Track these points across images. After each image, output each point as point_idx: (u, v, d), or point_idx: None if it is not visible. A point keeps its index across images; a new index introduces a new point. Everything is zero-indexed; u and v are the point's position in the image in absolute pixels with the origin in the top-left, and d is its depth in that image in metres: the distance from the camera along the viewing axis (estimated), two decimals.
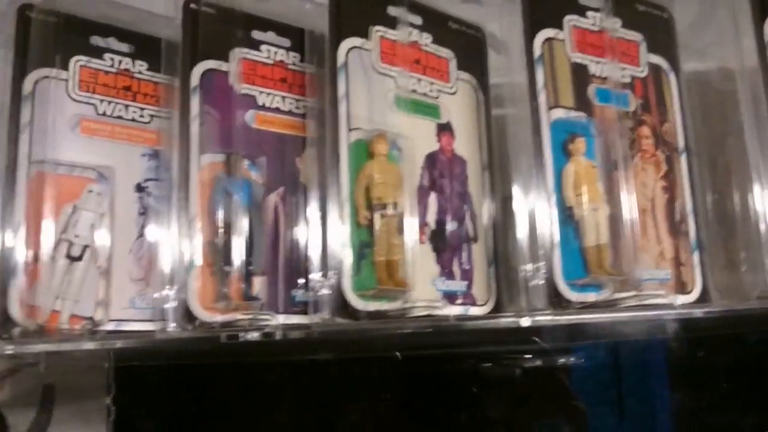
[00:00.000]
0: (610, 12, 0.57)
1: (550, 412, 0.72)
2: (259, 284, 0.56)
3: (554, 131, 0.55)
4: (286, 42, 0.61)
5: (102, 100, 0.60)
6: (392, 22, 0.58)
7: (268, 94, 0.59)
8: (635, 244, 0.53)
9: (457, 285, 0.58)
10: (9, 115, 0.55)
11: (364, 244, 0.53)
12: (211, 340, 0.51)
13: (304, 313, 0.56)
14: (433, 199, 0.58)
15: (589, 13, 0.58)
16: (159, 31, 0.60)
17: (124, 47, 0.61)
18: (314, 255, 0.53)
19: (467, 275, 0.59)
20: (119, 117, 0.60)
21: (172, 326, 0.53)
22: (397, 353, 0.66)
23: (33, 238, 0.55)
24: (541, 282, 0.52)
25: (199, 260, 0.54)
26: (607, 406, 0.72)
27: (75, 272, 0.56)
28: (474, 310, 0.58)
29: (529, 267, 0.53)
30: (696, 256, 0.59)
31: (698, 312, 0.56)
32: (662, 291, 0.52)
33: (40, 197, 0.55)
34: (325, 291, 0.52)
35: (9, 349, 0.51)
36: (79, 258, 0.56)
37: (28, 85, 0.57)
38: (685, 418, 0.72)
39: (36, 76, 0.57)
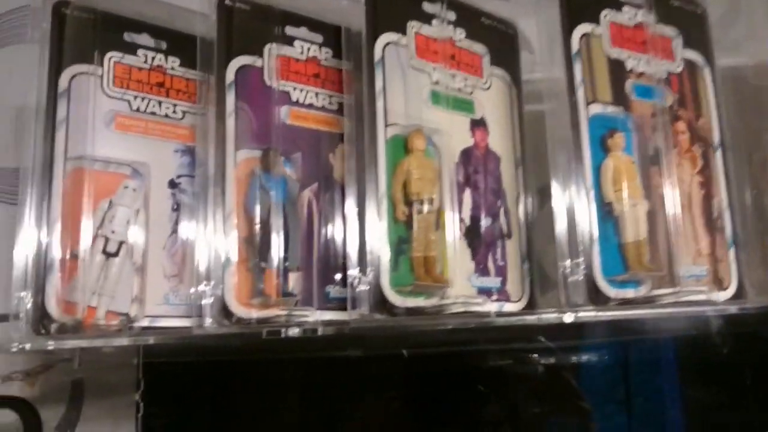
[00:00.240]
0: (650, 7, 0.57)
1: (557, 411, 0.72)
2: (294, 280, 0.56)
3: (592, 126, 0.54)
4: (318, 38, 0.61)
5: (136, 96, 0.60)
6: (427, 18, 0.58)
7: (302, 89, 0.59)
8: (676, 240, 0.53)
9: (492, 281, 0.58)
10: (45, 112, 0.55)
11: (401, 240, 0.53)
12: (251, 337, 0.51)
13: (339, 309, 0.56)
14: (467, 195, 0.58)
15: (625, 8, 0.58)
16: (192, 27, 0.59)
17: (157, 43, 0.61)
18: (352, 251, 0.52)
19: (501, 271, 0.58)
20: (153, 113, 0.60)
21: (208, 322, 0.53)
22: (403, 351, 0.66)
23: (70, 234, 0.55)
24: (580, 278, 0.52)
25: (235, 256, 0.53)
26: (616, 405, 0.72)
27: (111, 268, 0.56)
28: (508, 307, 0.58)
29: (567, 263, 0.52)
30: (732, 252, 0.58)
31: (733, 308, 0.56)
32: (704, 287, 0.51)
33: (77, 193, 0.55)
34: (362, 287, 0.52)
35: (50, 345, 0.51)
36: (116, 254, 0.56)
37: (63, 81, 0.57)
38: (695, 416, 0.72)
39: (71, 72, 0.57)
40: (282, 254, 0.54)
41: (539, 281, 0.60)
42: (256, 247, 0.54)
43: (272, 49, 0.58)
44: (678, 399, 0.71)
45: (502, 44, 0.62)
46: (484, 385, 0.70)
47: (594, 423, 0.71)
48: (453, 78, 0.58)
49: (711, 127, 0.60)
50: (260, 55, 0.58)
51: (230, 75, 0.56)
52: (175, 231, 0.59)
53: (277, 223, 0.54)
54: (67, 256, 0.54)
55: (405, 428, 0.72)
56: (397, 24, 0.56)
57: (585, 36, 0.56)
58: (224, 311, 0.53)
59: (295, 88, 0.59)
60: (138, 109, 0.60)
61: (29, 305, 0.53)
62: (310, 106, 0.59)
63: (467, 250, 0.57)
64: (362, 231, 0.52)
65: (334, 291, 0.57)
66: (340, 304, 0.56)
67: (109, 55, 0.59)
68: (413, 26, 0.57)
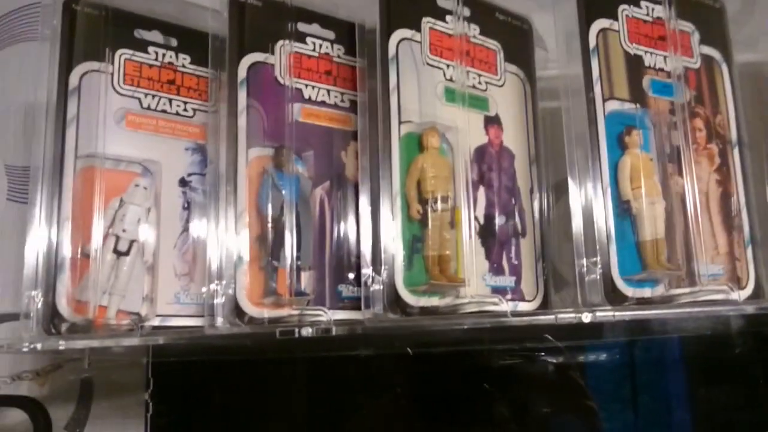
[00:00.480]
0: (669, 2, 0.56)
1: (563, 410, 0.71)
2: (306, 279, 0.55)
3: (609, 123, 0.53)
4: (331, 34, 0.60)
5: (146, 94, 0.59)
6: (442, 14, 0.57)
7: (314, 87, 0.58)
8: (694, 239, 0.52)
9: (506, 280, 0.57)
10: (56, 110, 0.55)
11: (415, 239, 0.52)
12: (264, 336, 0.50)
13: (351, 308, 0.55)
14: (481, 193, 0.57)
15: (643, 3, 0.57)
16: (203, 24, 0.59)
17: (168, 40, 0.61)
18: (365, 250, 0.52)
19: (515, 270, 0.58)
20: (163, 111, 0.60)
21: (220, 322, 0.52)
22: (408, 349, 0.66)
23: (81, 233, 0.54)
24: (597, 277, 0.51)
25: (247, 255, 0.53)
26: (621, 404, 0.71)
27: (122, 267, 0.55)
28: (522, 306, 0.57)
29: (584, 262, 0.51)
30: (750, 251, 0.58)
31: (751, 308, 0.55)
32: (724, 286, 0.51)
33: (88, 192, 0.55)
34: (376, 286, 0.51)
35: (61, 345, 0.50)
36: (126, 252, 0.56)
37: (74, 78, 0.56)
38: (702, 415, 0.71)
39: (82, 69, 0.57)
40: (294, 253, 0.54)
41: (553, 280, 0.59)
42: (268, 246, 0.54)
43: (284, 46, 0.57)
44: (693, 399, 0.70)
45: (516, 40, 0.61)
46: (493, 384, 0.69)
47: (603, 423, 0.70)
48: (467, 74, 0.57)
49: (729, 124, 0.59)
50: (272, 52, 0.57)
51: (242, 72, 0.56)
52: (186, 229, 0.59)
53: (289, 221, 0.54)
54: (78, 255, 0.54)
55: (415, 427, 0.72)
56: (411, 20, 0.55)
57: (602, 31, 0.55)
58: (236, 311, 0.52)
59: (307, 86, 0.58)
60: (149, 107, 0.59)
61: (40, 304, 0.53)
62: (323, 103, 0.59)
63: (481, 248, 0.56)
64: (376, 229, 0.51)
65: (346, 290, 0.56)
66: (353, 304, 0.55)
67: (119, 52, 0.59)
68: (427, 22, 0.56)
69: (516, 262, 0.58)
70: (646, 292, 0.52)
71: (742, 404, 0.70)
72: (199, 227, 0.59)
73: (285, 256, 0.53)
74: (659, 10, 0.57)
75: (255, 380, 0.72)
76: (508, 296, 0.56)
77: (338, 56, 0.60)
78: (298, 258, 0.54)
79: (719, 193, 0.58)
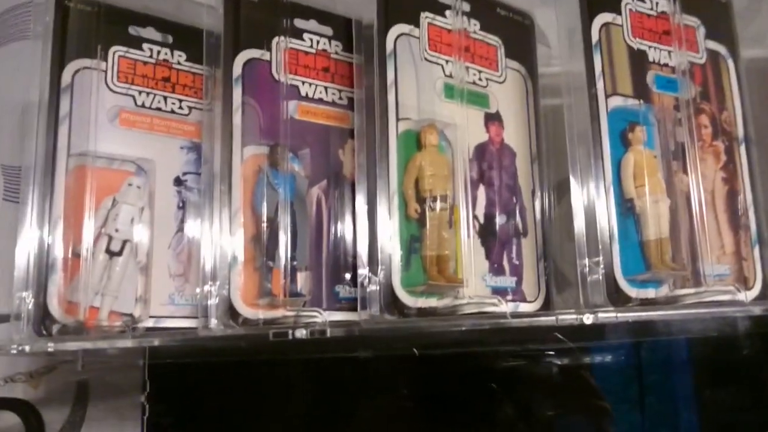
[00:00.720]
0: None
1: (576, 411, 0.70)
2: (302, 280, 0.54)
3: (612, 120, 0.52)
4: (328, 30, 0.59)
5: (141, 92, 0.58)
6: (441, 9, 0.56)
7: (311, 84, 0.57)
8: (699, 238, 0.51)
9: (507, 281, 0.56)
10: (48, 107, 0.54)
11: (413, 238, 0.51)
12: (257, 338, 0.49)
13: (349, 309, 0.54)
14: (481, 191, 0.56)
15: None
16: (198, 20, 0.58)
17: (163, 37, 0.60)
18: (362, 250, 0.51)
19: (516, 271, 0.57)
20: (158, 109, 0.59)
21: (214, 323, 0.51)
22: (414, 350, 0.65)
23: (72, 233, 0.53)
24: (599, 277, 0.50)
25: (241, 255, 0.52)
26: (629, 404, 0.70)
27: (115, 267, 0.54)
28: (523, 307, 0.56)
29: (586, 262, 0.50)
30: (757, 251, 0.56)
31: (758, 309, 0.54)
32: (730, 287, 0.49)
33: (80, 190, 0.54)
34: (373, 287, 0.50)
35: (50, 347, 0.49)
36: (119, 253, 0.55)
37: (66, 76, 0.55)
38: (709, 417, 0.70)
39: (75, 66, 0.56)
40: (289, 253, 0.53)
41: (555, 281, 0.58)
42: (263, 246, 0.53)
43: (280, 43, 0.56)
44: (700, 401, 0.69)
45: (517, 36, 0.60)
46: (497, 385, 0.68)
47: (612, 423, 0.69)
48: (467, 71, 0.56)
49: (735, 121, 0.58)
50: (268, 48, 0.56)
51: (237, 69, 0.55)
52: (180, 229, 0.58)
53: (283, 220, 0.53)
54: (70, 256, 0.53)
55: (413, 429, 0.71)
56: (410, 15, 0.54)
57: (605, 26, 0.54)
58: (230, 312, 0.51)
59: (304, 83, 0.57)
60: (143, 105, 0.58)
61: (31, 305, 0.52)
62: (320, 100, 0.57)
63: (481, 248, 0.55)
64: (373, 229, 0.50)
65: (344, 291, 0.55)
66: (350, 305, 0.54)
67: (113, 49, 0.58)
68: (426, 17, 0.55)
69: (517, 263, 0.57)
70: (650, 293, 0.51)
71: (749, 405, 0.69)
72: (194, 227, 0.58)
73: (280, 256, 0.52)
74: (663, 4, 0.56)
75: (252, 382, 0.71)
76: (509, 297, 0.55)
77: (336, 53, 0.59)
78: (293, 258, 0.53)
79: (725, 191, 0.56)
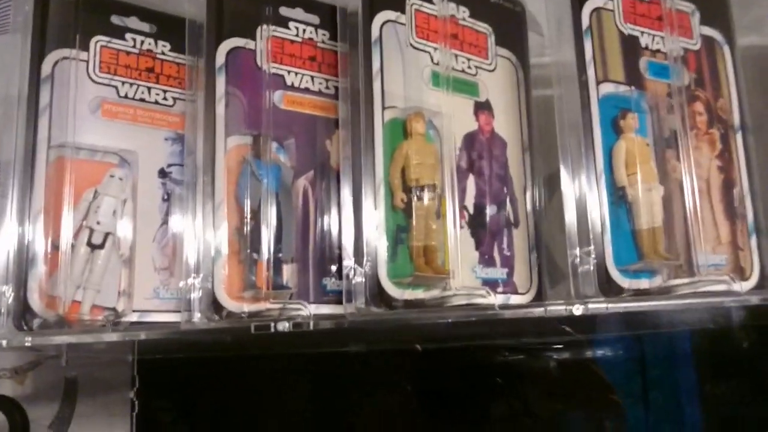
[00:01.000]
0: None
1: (585, 405, 0.69)
2: (288, 272, 0.53)
3: (603, 107, 0.51)
4: (314, 19, 0.58)
5: (124, 82, 0.57)
6: None
7: (297, 73, 0.56)
8: (694, 227, 0.50)
9: (498, 272, 0.55)
10: (27, 98, 0.53)
11: (400, 229, 0.50)
12: (239, 331, 0.48)
13: (336, 302, 0.53)
14: (471, 181, 0.55)
15: None
16: (182, 9, 0.57)
17: (146, 27, 0.59)
18: (347, 241, 0.50)
19: (508, 262, 0.55)
20: (142, 99, 0.58)
21: (197, 317, 0.50)
22: (418, 346, 0.64)
23: (53, 225, 0.52)
24: (591, 268, 0.49)
25: (225, 248, 0.51)
26: (632, 398, 0.69)
27: (96, 260, 0.53)
28: (515, 299, 0.55)
29: (577, 252, 0.49)
30: (754, 240, 0.55)
31: (755, 299, 0.52)
32: (725, 277, 0.48)
33: (60, 183, 0.53)
34: (358, 279, 0.49)
35: (27, 341, 0.49)
36: (101, 245, 0.54)
37: (46, 67, 0.54)
38: (712, 410, 0.69)
39: (55, 57, 0.55)
40: (273, 245, 0.51)
41: (549, 272, 0.57)
42: (247, 238, 0.52)
43: (265, 31, 0.55)
44: (704, 394, 0.68)
45: (508, 23, 0.59)
46: (497, 379, 0.67)
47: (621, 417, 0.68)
48: (456, 58, 0.55)
49: (731, 109, 0.57)
50: (253, 37, 0.55)
51: (220, 58, 0.54)
52: (165, 222, 0.57)
53: (267, 212, 0.52)
54: (50, 249, 0.52)
55: (406, 424, 0.70)
56: (396, 1, 0.53)
57: (596, 11, 0.53)
58: (214, 305, 0.50)
59: (290, 72, 0.56)
60: (126, 96, 0.57)
61: (11, 300, 0.51)
62: (306, 90, 0.56)
63: (471, 239, 0.54)
64: (358, 219, 0.49)
65: (331, 283, 0.54)
66: (338, 297, 0.53)
67: (95, 39, 0.57)
68: (413, 4, 0.54)
69: (508, 254, 0.56)
70: (643, 283, 0.50)
71: (753, 399, 0.68)
72: (179, 220, 0.57)
73: (264, 248, 0.51)
74: None
75: (242, 378, 0.70)
76: (500, 289, 0.54)
77: (323, 41, 0.58)
78: (279, 250, 0.52)
79: (721, 179, 0.55)
